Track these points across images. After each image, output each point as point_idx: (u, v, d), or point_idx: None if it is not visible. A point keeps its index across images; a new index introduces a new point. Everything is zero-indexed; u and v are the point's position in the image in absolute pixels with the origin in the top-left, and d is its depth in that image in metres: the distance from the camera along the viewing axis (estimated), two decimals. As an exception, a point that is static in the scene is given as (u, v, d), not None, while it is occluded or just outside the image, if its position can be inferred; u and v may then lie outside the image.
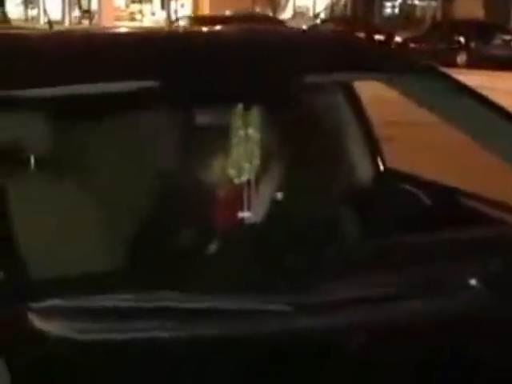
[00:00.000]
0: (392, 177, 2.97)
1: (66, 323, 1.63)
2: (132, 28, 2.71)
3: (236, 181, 2.23)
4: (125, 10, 42.11)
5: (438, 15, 33.33)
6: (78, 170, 2.35)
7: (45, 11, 32.44)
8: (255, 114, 2.24)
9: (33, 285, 1.73)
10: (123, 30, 2.79)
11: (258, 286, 1.78)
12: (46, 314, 1.64)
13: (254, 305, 1.73)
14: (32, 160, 2.28)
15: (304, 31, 3.88)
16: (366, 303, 1.77)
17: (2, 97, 1.94)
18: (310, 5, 40.95)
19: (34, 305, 1.64)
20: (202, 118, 2.28)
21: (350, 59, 2.40)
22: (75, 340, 1.61)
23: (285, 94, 2.22)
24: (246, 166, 2.23)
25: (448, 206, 2.68)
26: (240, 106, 2.22)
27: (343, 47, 2.56)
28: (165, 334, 1.64)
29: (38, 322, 1.61)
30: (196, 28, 6.61)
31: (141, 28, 2.75)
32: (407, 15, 35.57)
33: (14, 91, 1.96)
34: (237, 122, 2.23)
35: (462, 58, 23.85)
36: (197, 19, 27.16)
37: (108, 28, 5.42)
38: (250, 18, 24.12)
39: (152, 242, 2.16)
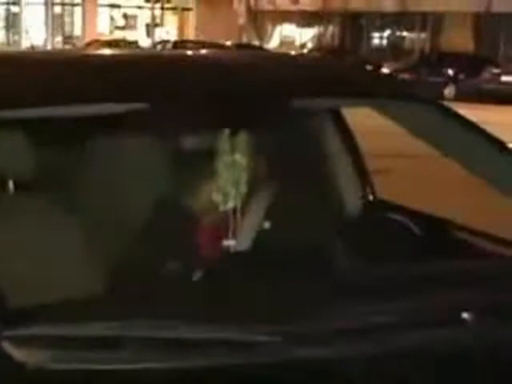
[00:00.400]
0: (381, 206, 2.96)
1: (42, 352, 1.60)
2: (120, 51, 2.70)
3: (222, 207, 2.21)
4: (108, 36, 42.28)
5: (427, 47, 33.63)
6: (59, 194, 2.33)
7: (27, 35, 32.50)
8: (242, 139, 2.23)
9: (8, 311, 1.70)
10: (112, 52, 2.79)
11: (244, 315, 1.76)
12: (22, 342, 1.60)
13: (240, 335, 1.70)
14: (10, 184, 2.25)
15: (292, 56, 3.87)
16: (354, 333, 1.75)
17: None
18: (297, 34, 41.26)
19: (9, 332, 1.61)
20: (188, 143, 2.26)
21: (338, 84, 2.39)
22: (52, 370, 1.57)
23: (272, 119, 2.21)
24: (232, 192, 2.21)
25: (437, 236, 2.68)
26: (227, 131, 2.21)
27: (331, 72, 2.55)
28: (147, 365, 1.61)
29: (12, 351, 1.58)
30: (184, 52, 6.59)
31: (129, 51, 2.75)
32: (395, 47, 35.85)
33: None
34: (223, 147, 2.22)
35: (450, 91, 24.05)
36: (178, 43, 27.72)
37: (97, 51, 5.41)
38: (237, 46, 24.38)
39: (135, 269, 2.13)
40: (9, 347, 1.58)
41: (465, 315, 1.85)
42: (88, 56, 2.81)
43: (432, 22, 34.31)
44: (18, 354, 1.58)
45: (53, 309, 1.73)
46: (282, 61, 2.76)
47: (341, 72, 2.62)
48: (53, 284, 1.99)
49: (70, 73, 2.20)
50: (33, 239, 2.15)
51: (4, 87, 2.05)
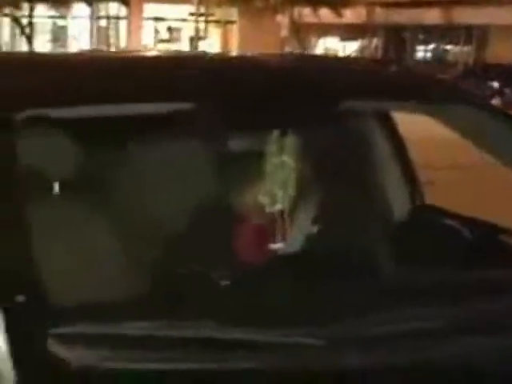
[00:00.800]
0: (431, 212, 2.91)
1: (86, 350, 1.57)
2: (170, 52, 2.69)
3: (269, 209, 2.17)
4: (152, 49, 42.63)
5: (471, 60, 33.37)
6: (104, 194, 2.31)
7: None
8: (291, 141, 2.19)
9: (54, 310, 1.68)
10: (161, 53, 2.78)
11: (288, 318, 1.73)
12: (67, 340, 1.58)
13: (284, 338, 1.67)
14: (55, 183, 2.24)
15: (342, 59, 3.84)
16: (401, 338, 1.72)
17: (28, 116, 1.90)
18: (340, 47, 41.20)
19: (54, 330, 1.59)
20: (237, 144, 2.23)
21: (390, 87, 2.34)
22: (96, 368, 1.55)
23: (322, 121, 2.17)
24: (280, 193, 2.18)
25: (489, 242, 2.62)
26: (276, 133, 2.18)
27: (383, 75, 2.51)
28: (187, 365, 1.59)
29: (58, 349, 1.55)
30: (233, 54, 6.58)
31: (179, 52, 2.75)
32: (439, 59, 35.63)
33: (37, 110, 1.93)
34: (272, 148, 2.18)
35: (495, 103, 23.82)
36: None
37: (145, 51, 5.45)
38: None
39: (177, 270, 2.10)
40: (54, 345, 1.56)
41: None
42: (133, 57, 2.80)
43: (477, 34, 34.07)
44: (62, 352, 1.56)
45: (96, 307, 1.72)
46: (332, 63, 2.73)
47: (393, 75, 2.57)
48: (97, 283, 1.97)
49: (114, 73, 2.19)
50: (77, 238, 2.14)
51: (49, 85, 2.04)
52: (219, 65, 2.46)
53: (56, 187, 2.21)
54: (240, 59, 2.75)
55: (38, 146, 2.05)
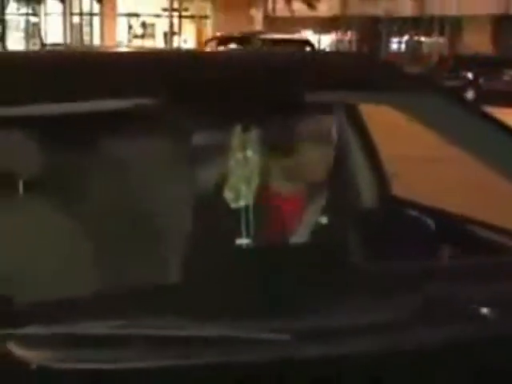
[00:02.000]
0: (397, 203, 2.92)
1: (46, 351, 1.57)
2: (133, 48, 2.68)
3: (233, 204, 2.17)
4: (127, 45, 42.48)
5: (445, 51, 33.51)
6: (66, 192, 2.29)
7: (42, 43, 32.72)
8: (254, 135, 2.19)
9: (12, 311, 1.67)
10: (124, 49, 2.78)
11: (254, 312, 1.72)
12: (26, 341, 1.57)
13: (250, 333, 1.67)
14: (17, 182, 2.22)
15: (303, 52, 3.84)
16: (366, 330, 1.72)
17: None
18: (315, 40, 41.26)
19: (13, 332, 1.58)
20: (200, 138, 2.23)
21: (354, 78, 2.34)
22: (56, 369, 1.54)
23: (286, 114, 2.17)
24: (244, 188, 2.18)
25: (454, 232, 2.64)
26: (238, 128, 2.18)
27: (348, 67, 2.51)
28: (149, 364, 1.58)
29: (16, 350, 1.55)
30: (195, 49, 6.58)
31: (141, 48, 2.74)
32: (414, 51, 35.75)
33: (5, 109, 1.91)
34: (235, 143, 2.18)
35: (469, 95, 23.91)
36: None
37: (109, 47, 5.42)
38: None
39: (141, 268, 2.09)
40: (13, 347, 1.55)
41: (479, 310, 1.82)
42: (99, 53, 2.79)
43: (450, 25, 34.22)
44: (22, 353, 1.55)
45: (56, 308, 1.70)
46: (294, 56, 2.73)
47: (358, 66, 2.56)
48: (56, 284, 1.96)
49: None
50: (35, 239, 2.12)
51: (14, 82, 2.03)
52: (182, 60, 2.45)
53: (11, 186, 2.19)
54: (202, 54, 2.75)
55: None
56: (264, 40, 20.21)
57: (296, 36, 25.39)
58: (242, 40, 20.05)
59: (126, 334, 1.62)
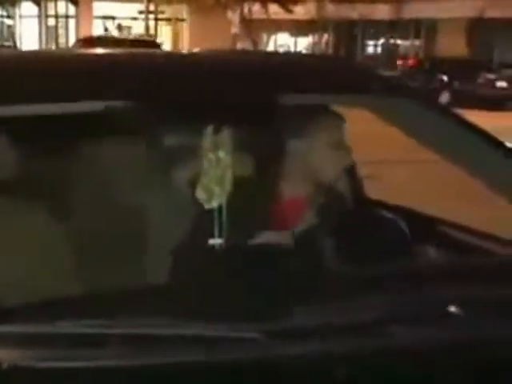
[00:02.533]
0: (370, 205, 2.94)
1: (18, 350, 1.57)
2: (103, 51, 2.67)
3: (206, 205, 2.18)
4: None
5: (421, 54, 33.67)
6: (42, 193, 2.29)
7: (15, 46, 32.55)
8: (226, 136, 2.20)
9: None
10: (95, 52, 2.77)
11: (229, 312, 1.74)
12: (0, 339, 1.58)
13: (224, 332, 1.68)
14: None
15: (277, 53, 3.85)
16: (342, 330, 1.73)
17: None
18: (291, 43, 41.32)
19: None
20: (173, 139, 2.24)
21: (327, 80, 2.36)
22: (28, 368, 1.55)
23: (258, 116, 2.19)
24: (217, 189, 2.18)
25: (427, 234, 2.66)
26: (211, 128, 2.19)
27: (321, 69, 2.53)
28: (123, 362, 1.59)
29: None
30: (169, 51, 6.56)
31: (111, 51, 2.72)
32: (390, 54, 35.89)
33: None
34: (207, 144, 2.19)
35: (444, 97, 24.03)
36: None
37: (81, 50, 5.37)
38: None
39: (118, 267, 2.10)
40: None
41: (452, 309, 1.84)
42: (75, 55, 2.79)
43: (426, 28, 34.40)
44: None
45: (29, 307, 1.71)
46: (267, 57, 2.74)
47: (331, 69, 2.58)
48: (28, 283, 1.96)
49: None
50: (13, 237, 2.13)
51: None
52: (153, 62, 2.46)
53: None
54: (172, 56, 2.76)
55: None
56: (113, 40, 23.20)
57: (145, 38, 28.88)
58: (99, 41, 21.83)
59: (101, 333, 1.63)
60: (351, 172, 2.98)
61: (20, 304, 1.72)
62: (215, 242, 2.23)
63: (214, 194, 2.17)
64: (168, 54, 3.02)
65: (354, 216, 2.83)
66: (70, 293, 1.98)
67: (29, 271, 2.05)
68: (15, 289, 1.84)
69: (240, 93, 2.15)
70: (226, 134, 2.19)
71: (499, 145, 2.32)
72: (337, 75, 2.47)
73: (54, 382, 1.56)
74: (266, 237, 2.34)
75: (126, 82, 2.12)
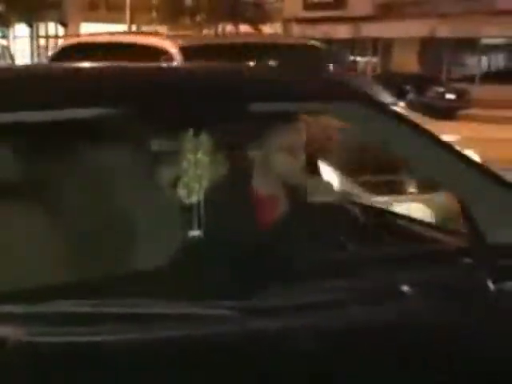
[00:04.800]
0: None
1: (21, 327, 1.60)
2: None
3: (186, 200, 2.22)
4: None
5: (378, 70, 33.77)
6: (30, 193, 2.25)
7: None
8: (204, 140, 2.24)
9: None
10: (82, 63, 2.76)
11: (203, 291, 1.77)
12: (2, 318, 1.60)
13: (198, 309, 1.71)
14: None
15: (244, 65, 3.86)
16: (310, 308, 1.77)
17: None
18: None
19: None
20: (155, 144, 2.27)
21: (291, 89, 2.39)
22: (32, 343, 1.57)
23: (226, 122, 2.22)
24: (196, 187, 2.22)
25: (379, 224, 2.71)
26: (190, 132, 2.23)
27: (283, 79, 2.56)
28: (115, 338, 1.62)
29: None
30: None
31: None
32: (349, 69, 35.92)
33: None
34: (187, 146, 2.23)
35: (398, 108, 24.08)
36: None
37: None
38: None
39: (107, 251, 2.11)
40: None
41: (405, 291, 1.88)
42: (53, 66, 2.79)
43: (382, 46, 34.55)
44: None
45: (29, 290, 1.73)
46: (237, 69, 2.77)
47: (292, 78, 2.61)
48: (28, 268, 1.96)
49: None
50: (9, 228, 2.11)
51: None
52: (136, 71, 2.48)
53: None
54: (152, 67, 2.79)
55: None
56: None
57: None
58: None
59: (94, 312, 1.66)
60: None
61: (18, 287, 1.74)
62: (194, 233, 2.26)
63: (193, 191, 2.21)
64: (149, 66, 3.04)
65: (313, 209, 2.87)
66: (65, 279, 2.00)
67: (21, 255, 2.03)
68: (13, 273, 1.86)
69: (210, 101, 2.18)
70: (203, 138, 2.23)
71: (439, 140, 2.36)
72: (299, 84, 2.50)
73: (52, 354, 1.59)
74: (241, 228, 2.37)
75: (109, 91, 2.13)
